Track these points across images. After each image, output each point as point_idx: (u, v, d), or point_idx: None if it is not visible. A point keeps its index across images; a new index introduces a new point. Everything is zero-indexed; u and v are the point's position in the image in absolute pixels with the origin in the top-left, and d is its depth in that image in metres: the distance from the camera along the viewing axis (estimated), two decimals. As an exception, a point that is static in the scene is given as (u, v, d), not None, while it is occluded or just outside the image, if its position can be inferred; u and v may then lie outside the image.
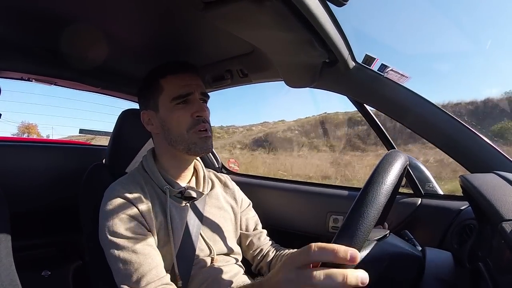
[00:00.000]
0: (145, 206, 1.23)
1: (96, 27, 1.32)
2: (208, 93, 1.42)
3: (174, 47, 1.53)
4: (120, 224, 1.16)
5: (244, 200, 1.63)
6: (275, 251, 1.51)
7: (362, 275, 0.58)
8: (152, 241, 1.20)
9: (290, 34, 1.04)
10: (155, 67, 1.39)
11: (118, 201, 1.21)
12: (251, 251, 1.53)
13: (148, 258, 1.13)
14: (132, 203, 1.21)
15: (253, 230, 1.57)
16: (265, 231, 1.60)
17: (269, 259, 1.48)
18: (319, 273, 0.57)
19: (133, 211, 1.20)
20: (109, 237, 1.14)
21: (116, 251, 1.13)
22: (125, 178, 1.33)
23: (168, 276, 1.16)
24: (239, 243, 1.54)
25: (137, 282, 1.09)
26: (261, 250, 1.53)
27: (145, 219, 1.21)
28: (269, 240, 1.59)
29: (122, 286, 1.10)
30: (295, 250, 1.32)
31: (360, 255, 0.59)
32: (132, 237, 1.15)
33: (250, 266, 1.55)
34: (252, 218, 1.60)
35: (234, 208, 1.53)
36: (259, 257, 1.51)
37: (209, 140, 1.33)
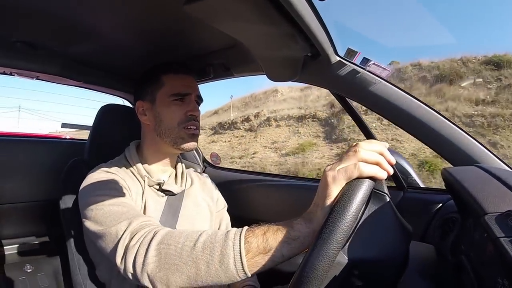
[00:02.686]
0: (126, 186, 1.25)
1: (77, 21, 1.30)
2: None
3: (155, 41, 1.51)
4: (104, 195, 1.15)
5: (220, 201, 1.66)
6: None
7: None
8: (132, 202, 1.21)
9: (271, 27, 1.04)
10: (159, 64, 1.47)
11: (101, 180, 1.24)
12: None
13: (133, 208, 1.13)
14: (114, 182, 1.24)
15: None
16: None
17: None
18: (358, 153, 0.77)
19: (116, 186, 1.22)
20: (90, 205, 1.13)
21: (99, 211, 1.10)
22: (106, 164, 1.38)
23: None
24: None
25: (127, 219, 1.04)
26: None
27: (128, 191, 1.24)
28: None
29: (108, 230, 1.04)
30: None
31: None
32: (114, 194, 1.16)
33: None
34: (225, 219, 1.64)
35: (211, 206, 1.56)
36: None
37: (196, 138, 1.41)
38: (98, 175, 1.26)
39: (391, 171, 0.78)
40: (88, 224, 1.12)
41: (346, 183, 0.75)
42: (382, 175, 0.74)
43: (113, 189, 1.19)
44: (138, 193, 1.31)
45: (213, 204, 1.58)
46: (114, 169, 1.31)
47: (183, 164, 1.55)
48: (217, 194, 1.68)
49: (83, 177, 1.31)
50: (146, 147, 1.44)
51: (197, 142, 1.44)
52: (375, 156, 0.76)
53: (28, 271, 2.00)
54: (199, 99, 1.47)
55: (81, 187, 1.25)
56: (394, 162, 0.79)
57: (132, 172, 1.36)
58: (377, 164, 0.76)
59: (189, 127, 1.37)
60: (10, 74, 1.72)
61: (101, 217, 1.09)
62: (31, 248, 2.14)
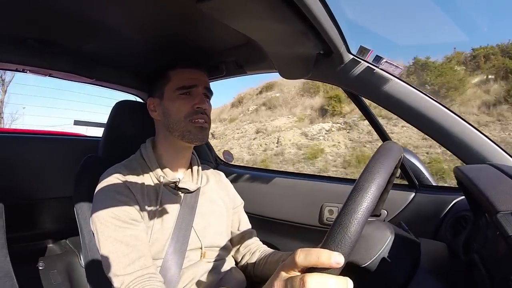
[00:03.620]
0: (139, 192, 1.26)
1: (90, 18, 1.31)
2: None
3: (169, 39, 1.52)
4: (114, 208, 1.18)
5: (237, 198, 1.66)
6: (263, 253, 1.52)
7: (344, 284, 0.56)
8: (142, 228, 1.21)
9: (284, 25, 1.04)
10: (166, 61, 1.45)
11: (113, 185, 1.23)
12: (239, 250, 1.56)
13: (136, 246, 1.14)
14: (127, 187, 1.24)
15: (243, 230, 1.59)
16: (254, 231, 1.62)
17: (255, 259, 1.50)
18: (306, 279, 0.55)
19: (127, 196, 1.23)
20: (101, 219, 1.17)
21: (105, 236, 1.15)
22: (122, 163, 1.37)
23: (154, 266, 1.16)
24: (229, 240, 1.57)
25: (124, 269, 1.09)
26: (249, 250, 1.55)
27: (138, 205, 1.23)
28: (258, 240, 1.61)
29: (108, 271, 1.11)
30: (283, 253, 1.42)
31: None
32: (123, 222, 1.17)
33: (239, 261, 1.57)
34: (243, 217, 1.63)
35: (226, 203, 1.55)
36: (247, 257, 1.54)
37: (205, 131, 1.38)
38: (111, 187, 1.24)
39: None
40: (95, 237, 1.19)
41: None
42: None
43: (121, 215, 1.18)
44: (154, 193, 1.30)
45: (229, 201, 1.58)
46: (129, 173, 1.30)
47: (198, 161, 1.54)
48: (233, 191, 1.67)
49: (98, 174, 1.32)
50: (159, 143, 1.43)
51: (207, 136, 1.41)
52: None
53: (41, 268, 2.02)
54: (208, 92, 1.45)
55: (95, 192, 1.25)
56: None
57: (148, 172, 1.36)
58: None
59: (196, 120, 1.35)
60: (23, 71, 1.73)
61: (103, 248, 1.14)
62: (44, 245, 2.16)
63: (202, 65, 1.47)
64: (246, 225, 1.61)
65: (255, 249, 1.54)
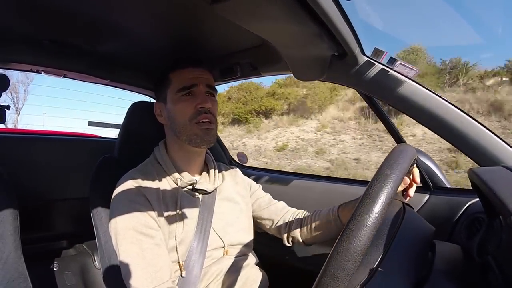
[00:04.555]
0: (155, 198, 1.25)
1: (104, 19, 1.33)
2: (216, 87, 1.45)
3: (183, 40, 1.53)
4: (131, 218, 1.17)
5: (253, 185, 1.65)
6: (303, 214, 1.52)
7: None
8: (160, 238, 1.21)
9: (298, 27, 1.04)
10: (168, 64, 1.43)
11: (130, 193, 1.23)
12: (274, 226, 1.53)
13: (153, 260, 1.14)
14: (144, 195, 1.23)
15: (268, 206, 1.58)
16: (282, 202, 1.61)
17: (298, 226, 1.47)
18: None
19: (144, 203, 1.21)
20: (119, 230, 1.16)
21: (123, 248, 1.15)
22: (138, 169, 1.35)
23: (170, 280, 1.16)
24: (260, 226, 1.57)
25: (141, 283, 1.10)
26: (284, 220, 1.53)
27: (155, 211, 1.22)
28: (290, 209, 1.59)
29: (127, 282, 1.11)
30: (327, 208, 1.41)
31: None
32: (139, 233, 1.16)
33: (261, 257, 1.57)
34: (263, 197, 1.61)
35: (245, 197, 1.54)
36: (286, 228, 1.51)
37: (211, 132, 1.35)
38: (126, 195, 1.24)
39: None
40: (113, 244, 1.21)
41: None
42: None
43: (139, 225, 1.17)
44: (172, 197, 1.29)
45: (247, 193, 1.58)
46: (145, 179, 1.29)
47: (214, 160, 1.53)
48: (248, 181, 1.66)
49: (114, 174, 1.32)
50: (170, 147, 1.42)
51: (214, 137, 1.38)
52: None
53: (55, 269, 2.04)
54: (212, 89, 1.41)
55: (112, 199, 1.26)
56: None
57: (165, 176, 1.35)
58: None
59: (201, 121, 1.32)
60: (37, 71, 1.75)
61: (122, 259, 1.15)
62: (59, 246, 2.18)
63: (202, 63, 1.44)
64: (269, 201, 1.60)
65: (291, 218, 1.52)
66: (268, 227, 1.55)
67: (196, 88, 1.35)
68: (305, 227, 1.43)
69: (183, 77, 1.36)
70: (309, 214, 1.49)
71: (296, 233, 1.46)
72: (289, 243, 1.50)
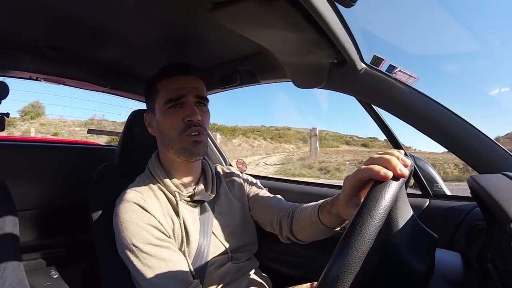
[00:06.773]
0: (159, 212, 1.24)
1: (104, 27, 1.33)
2: (208, 96, 1.40)
3: (182, 47, 1.53)
4: (140, 234, 1.15)
5: (249, 180, 1.60)
6: (295, 210, 1.37)
7: None
8: (172, 245, 1.21)
9: (297, 34, 1.05)
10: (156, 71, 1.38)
11: (134, 209, 1.20)
12: (269, 223, 1.44)
13: (178, 265, 1.15)
14: (147, 210, 1.21)
15: (264, 202, 1.50)
16: (277, 197, 1.51)
17: (290, 225, 1.35)
18: None
19: (150, 218, 1.20)
20: (129, 246, 1.14)
21: (136, 260, 1.13)
22: (136, 184, 1.32)
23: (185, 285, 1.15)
24: (257, 223, 1.53)
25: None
26: (278, 217, 1.41)
27: (162, 225, 1.21)
28: (283, 203, 1.46)
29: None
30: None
31: None
32: (156, 246, 1.15)
33: (262, 260, 1.56)
34: (258, 193, 1.54)
35: (243, 197, 1.52)
36: (279, 225, 1.39)
37: (201, 145, 1.31)
38: (131, 211, 1.20)
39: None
40: (121, 255, 1.19)
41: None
42: None
43: (150, 238, 1.16)
44: (173, 210, 1.29)
45: (244, 192, 1.54)
46: (144, 195, 1.25)
47: (211, 166, 1.50)
48: (245, 177, 1.61)
49: (114, 181, 1.32)
50: (163, 158, 1.39)
51: (204, 149, 1.33)
52: None
53: (54, 276, 2.02)
54: (202, 99, 1.34)
55: (115, 219, 1.21)
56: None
57: (162, 190, 1.31)
58: None
59: (191, 135, 1.27)
60: (36, 79, 1.75)
61: (134, 267, 1.14)
62: (58, 253, 2.17)
63: (191, 69, 1.36)
64: (265, 197, 1.52)
65: (284, 216, 1.39)
66: (265, 225, 1.49)
67: (184, 99, 1.29)
68: (296, 226, 1.33)
69: (170, 87, 1.30)
70: (298, 212, 1.34)
71: (289, 231, 1.36)
72: (285, 241, 1.41)
